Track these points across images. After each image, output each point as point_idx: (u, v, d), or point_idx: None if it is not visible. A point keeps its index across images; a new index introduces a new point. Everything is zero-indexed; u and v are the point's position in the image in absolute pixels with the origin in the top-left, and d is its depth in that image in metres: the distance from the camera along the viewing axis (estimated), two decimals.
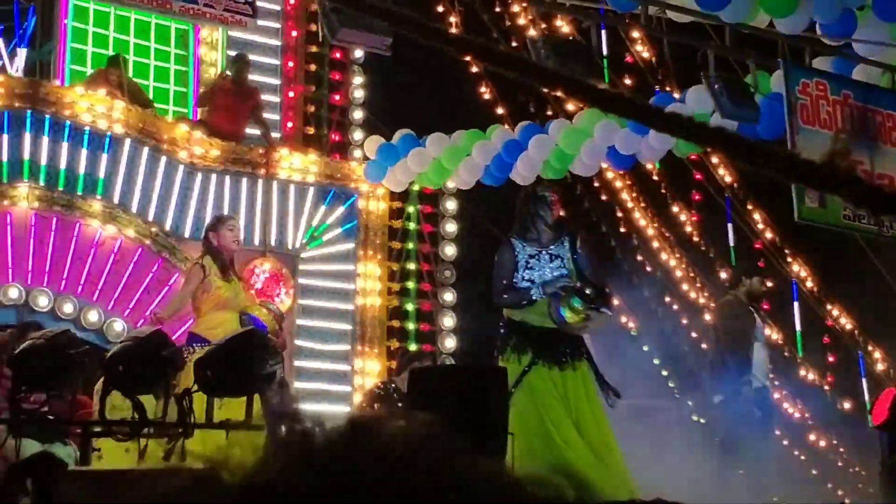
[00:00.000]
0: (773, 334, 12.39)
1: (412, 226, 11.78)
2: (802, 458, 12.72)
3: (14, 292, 9.41)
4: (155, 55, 11.48)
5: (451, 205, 11.79)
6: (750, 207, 13.83)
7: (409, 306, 11.66)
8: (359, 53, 12.21)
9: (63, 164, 9.77)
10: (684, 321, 13.55)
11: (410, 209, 11.75)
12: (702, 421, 12.05)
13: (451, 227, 11.83)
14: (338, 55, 12.38)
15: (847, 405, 13.38)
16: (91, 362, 6.32)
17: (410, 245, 11.76)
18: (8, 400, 6.31)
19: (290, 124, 12.00)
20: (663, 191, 13.76)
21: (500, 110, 12.90)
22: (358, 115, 12.31)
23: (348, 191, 11.32)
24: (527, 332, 7.05)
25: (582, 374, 7.07)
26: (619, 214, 13.90)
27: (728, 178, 13.94)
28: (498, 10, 13.20)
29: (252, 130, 11.31)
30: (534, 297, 7.06)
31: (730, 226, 13.86)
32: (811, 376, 13.52)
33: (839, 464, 12.70)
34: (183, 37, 11.67)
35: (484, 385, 6.19)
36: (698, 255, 13.84)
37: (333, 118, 12.32)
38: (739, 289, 9.09)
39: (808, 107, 8.97)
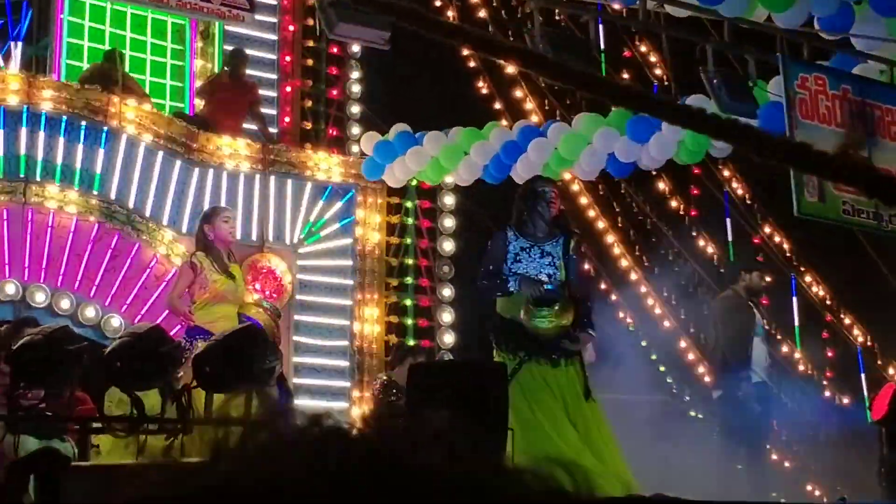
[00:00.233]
0: (772, 329, 12.38)
1: (410, 221, 11.76)
2: (801, 453, 12.71)
3: (11, 288, 9.38)
4: (151, 50, 11.45)
5: (449, 200, 11.77)
6: (749, 202, 13.82)
7: (408, 302, 11.64)
8: (356, 48, 12.19)
9: (59, 160, 9.74)
10: (682, 316, 13.54)
11: (408, 204, 11.72)
12: (699, 416, 12.05)
13: (449, 223, 11.80)
14: (335, 50, 12.35)
15: (846, 400, 13.38)
16: (89, 358, 6.30)
17: (408, 240, 11.73)
18: (6, 396, 6.29)
19: (287, 119, 11.97)
20: (662, 185, 13.75)
21: (497, 104, 12.88)
22: (355, 109, 12.28)
23: (346, 186, 11.29)
24: (519, 330, 7.03)
25: (575, 373, 7.06)
26: (617, 209, 13.89)
27: (726, 173, 13.94)
28: (495, 4, 13.18)
29: (250, 125, 11.28)
30: (510, 290, 7.03)
31: (728, 221, 13.86)
32: (809, 371, 13.51)
33: (837, 459, 12.69)
34: (179, 31, 11.63)
35: (483, 380, 6.17)
36: (697, 249, 13.83)
37: (331, 113, 12.30)
38: (739, 284, 9.08)
39: (806, 101, 8.96)
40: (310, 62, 12.33)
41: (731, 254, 13.31)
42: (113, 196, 9.98)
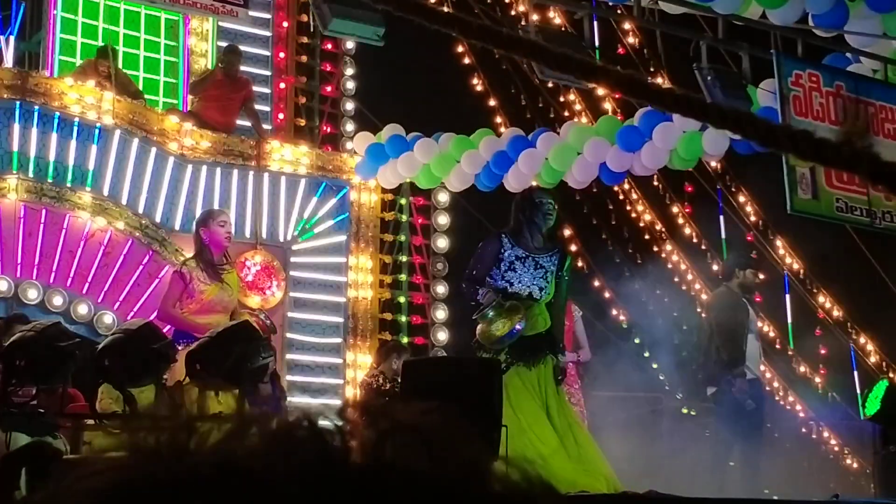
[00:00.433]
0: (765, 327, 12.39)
1: (404, 218, 11.74)
2: (794, 450, 12.73)
3: (3, 285, 9.35)
4: (145, 46, 11.42)
5: (443, 197, 11.75)
6: (742, 199, 13.83)
7: (402, 299, 11.63)
8: (350, 45, 12.17)
9: (52, 156, 9.71)
10: (675, 314, 13.55)
11: (402, 201, 11.71)
12: (692, 413, 12.06)
13: (443, 220, 11.79)
14: (329, 46, 12.33)
15: (838, 397, 13.40)
16: (81, 355, 6.28)
17: (402, 237, 11.72)
18: None
19: (280, 116, 11.95)
20: (655, 182, 13.74)
21: (492, 102, 12.87)
22: (349, 106, 12.26)
23: (340, 183, 11.27)
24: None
25: (545, 367, 7.05)
26: (610, 206, 13.89)
27: (720, 170, 13.94)
28: (489, 1, 13.17)
29: (243, 122, 11.26)
30: (489, 314, 6.94)
31: (721, 217, 13.86)
32: (802, 368, 13.53)
33: (831, 456, 12.72)
34: (173, 27, 11.60)
35: (477, 376, 6.16)
36: (690, 247, 13.85)
37: (325, 109, 12.28)
38: (732, 281, 9.07)
39: (800, 98, 8.96)
40: (304, 58, 12.31)
41: (725, 251, 13.31)
42: (106, 193, 9.95)
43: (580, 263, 12.82)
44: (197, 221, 8.35)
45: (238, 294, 8.13)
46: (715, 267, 12.93)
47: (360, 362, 10.89)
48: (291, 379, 10.49)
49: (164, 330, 7.44)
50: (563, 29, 11.00)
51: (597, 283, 13.57)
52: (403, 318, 11.60)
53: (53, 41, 10.89)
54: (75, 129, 9.81)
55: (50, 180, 9.68)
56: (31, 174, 9.61)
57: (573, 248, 13.25)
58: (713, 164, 13.56)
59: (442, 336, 11.50)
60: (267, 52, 11.98)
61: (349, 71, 12.36)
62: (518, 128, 11.15)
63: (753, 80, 9.36)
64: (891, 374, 12.72)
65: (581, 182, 10.62)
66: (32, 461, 4.52)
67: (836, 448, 12.78)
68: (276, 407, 8.31)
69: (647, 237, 14.01)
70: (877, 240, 11.36)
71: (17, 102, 9.57)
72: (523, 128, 11.14)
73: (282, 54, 12.06)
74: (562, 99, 13.59)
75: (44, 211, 9.62)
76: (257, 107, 11.41)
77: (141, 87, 10.99)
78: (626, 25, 12.76)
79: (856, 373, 13.26)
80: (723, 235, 13.81)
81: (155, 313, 8.36)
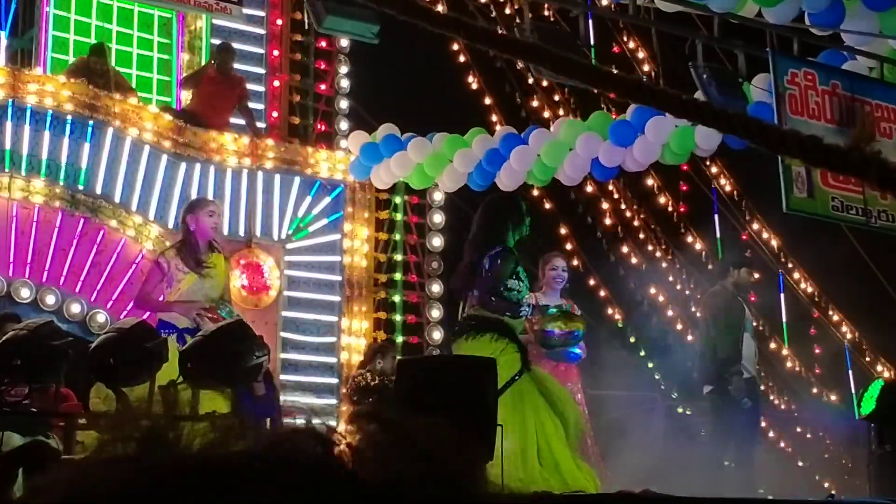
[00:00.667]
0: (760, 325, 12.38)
1: (399, 217, 11.71)
2: (789, 449, 12.73)
3: None
4: (138, 43, 11.38)
5: (438, 196, 11.73)
6: (737, 199, 13.82)
7: (396, 298, 11.59)
8: (345, 42, 12.14)
9: (45, 154, 9.66)
10: (670, 312, 13.54)
11: (397, 200, 11.68)
12: (688, 412, 12.05)
13: (438, 218, 11.76)
14: (323, 44, 12.30)
15: (833, 396, 13.40)
16: (74, 354, 6.24)
17: (397, 236, 11.69)
18: None
19: (275, 114, 11.92)
20: (650, 181, 13.73)
21: (487, 100, 12.84)
22: (344, 104, 12.23)
23: (334, 181, 11.24)
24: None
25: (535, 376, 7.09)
26: (606, 205, 13.87)
27: (714, 169, 13.93)
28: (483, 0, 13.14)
29: (237, 120, 11.22)
30: (521, 315, 7.10)
31: (716, 217, 13.86)
32: (797, 367, 13.53)
33: (826, 455, 12.71)
34: (166, 25, 11.57)
35: (472, 376, 6.13)
36: (685, 246, 13.84)
37: (319, 108, 12.24)
38: (728, 279, 9.06)
39: (796, 97, 8.93)
40: (298, 56, 12.27)
41: (720, 250, 13.31)
42: (99, 191, 9.91)
43: (575, 262, 12.79)
44: (185, 208, 8.27)
45: (223, 284, 7.92)
46: (710, 266, 12.92)
47: (355, 361, 10.86)
48: (286, 378, 10.46)
49: (144, 317, 7.37)
50: (558, 27, 10.96)
51: (592, 283, 13.55)
52: (398, 317, 11.57)
53: (46, 38, 10.84)
54: (68, 126, 9.76)
55: (43, 178, 9.63)
56: (23, 172, 9.56)
57: (568, 247, 13.24)
58: (708, 162, 13.57)
59: (437, 335, 11.48)
60: (261, 50, 11.94)
61: (343, 69, 12.32)
62: (513, 126, 11.12)
63: (749, 79, 9.35)
64: (886, 374, 12.72)
65: (572, 178, 10.59)
66: (30, 461, 4.48)
67: (832, 447, 12.77)
68: (270, 406, 8.28)
69: (641, 236, 14.00)
70: (872, 238, 11.35)
71: (10, 100, 9.52)
72: (518, 126, 11.11)
73: (276, 52, 12.02)
74: (556, 98, 13.57)
75: (36, 209, 9.58)
76: (251, 105, 11.38)
77: (134, 85, 10.95)
78: (622, 24, 12.75)
79: (850, 372, 13.26)
80: (718, 234, 13.81)
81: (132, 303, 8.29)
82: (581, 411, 8.04)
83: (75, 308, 9.59)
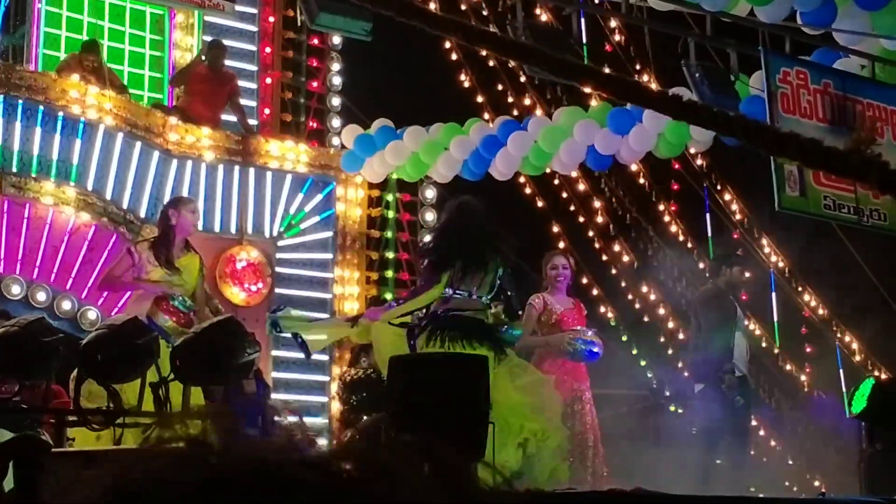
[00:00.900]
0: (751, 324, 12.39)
1: (391, 214, 11.71)
2: (780, 448, 12.74)
3: None
4: (130, 40, 11.36)
5: (430, 193, 11.72)
6: (728, 197, 13.83)
7: (388, 296, 11.57)
8: (337, 40, 12.12)
9: (36, 150, 9.64)
10: (662, 311, 13.54)
11: (389, 197, 11.68)
12: (679, 411, 12.04)
13: (430, 216, 11.76)
14: (315, 41, 12.28)
15: (824, 396, 13.40)
16: (65, 350, 6.22)
17: (389, 234, 11.68)
18: None
19: (266, 111, 11.90)
20: (642, 180, 13.73)
21: (479, 98, 12.84)
22: (336, 102, 12.21)
23: (326, 178, 11.23)
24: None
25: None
26: (598, 204, 13.87)
27: (705, 168, 13.93)
28: None
29: (229, 117, 11.20)
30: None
31: (707, 215, 13.86)
32: (788, 366, 13.54)
33: (817, 454, 12.72)
34: (158, 21, 11.55)
35: (464, 374, 6.12)
36: (677, 245, 13.84)
37: (311, 105, 12.23)
38: (719, 278, 9.07)
39: (788, 95, 8.95)
40: (290, 54, 12.25)
41: (711, 249, 13.31)
42: (90, 188, 9.88)
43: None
44: (167, 203, 8.24)
45: (195, 285, 7.86)
46: (701, 265, 12.92)
47: (346, 359, 10.85)
48: (277, 376, 10.45)
49: (103, 297, 7.25)
50: (550, 25, 10.96)
51: (584, 281, 13.54)
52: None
53: (38, 35, 10.82)
54: (59, 123, 9.73)
55: (34, 175, 9.60)
56: (14, 169, 9.53)
57: (561, 245, 13.23)
58: (699, 161, 13.57)
59: None
60: (253, 48, 11.92)
61: (335, 66, 12.31)
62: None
63: (740, 78, 9.36)
64: (876, 373, 12.73)
65: (567, 165, 10.61)
66: (20, 454, 4.47)
67: (823, 446, 12.78)
68: (261, 403, 8.27)
69: (633, 234, 14.00)
70: (863, 237, 11.37)
71: (1, 97, 9.49)
72: None
73: (268, 49, 12.00)
74: (548, 96, 13.57)
75: (27, 206, 9.55)
76: (243, 102, 11.36)
77: (126, 82, 10.92)
78: (614, 22, 12.75)
79: (841, 371, 13.27)
80: (709, 233, 13.81)
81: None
82: (577, 410, 8.07)
83: (66, 305, 9.56)
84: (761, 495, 9.08)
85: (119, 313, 8.74)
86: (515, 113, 12.38)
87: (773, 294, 13.63)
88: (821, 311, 13.81)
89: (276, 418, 8.93)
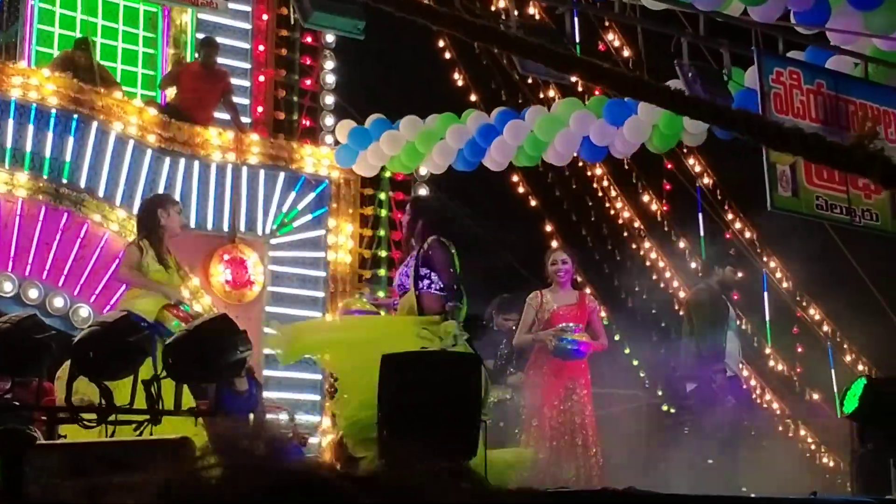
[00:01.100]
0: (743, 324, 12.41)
1: (383, 213, 11.70)
2: (771, 447, 12.75)
3: None
4: (123, 38, 11.34)
5: (423, 192, 11.72)
6: (721, 197, 13.84)
7: (381, 294, 11.56)
8: (330, 38, 12.11)
9: (29, 148, 9.62)
10: (654, 310, 13.55)
11: (382, 196, 11.67)
12: (672, 411, 12.04)
13: None
14: (309, 39, 12.27)
15: (816, 395, 13.43)
16: (57, 347, 6.21)
17: (382, 232, 11.68)
18: None
19: (260, 109, 11.89)
20: (634, 180, 13.74)
21: (472, 97, 12.83)
22: (329, 100, 12.20)
23: (319, 177, 11.23)
24: None
25: None
26: (590, 203, 13.88)
27: (698, 168, 13.94)
28: None
29: (222, 115, 11.19)
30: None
31: (700, 215, 13.87)
32: (780, 366, 13.56)
33: (808, 454, 12.75)
34: (151, 19, 11.53)
35: (457, 372, 6.11)
36: (669, 244, 13.85)
37: (304, 103, 12.22)
38: (712, 278, 9.08)
39: (781, 95, 8.96)
40: (283, 51, 12.24)
41: (703, 249, 13.32)
42: (83, 185, 9.87)
43: None
44: (154, 201, 8.20)
45: (178, 282, 7.90)
46: (693, 264, 12.94)
47: None
48: (268, 374, 10.43)
49: (121, 290, 7.25)
50: (544, 24, 10.96)
51: (578, 279, 13.53)
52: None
53: (30, 32, 10.80)
54: (52, 120, 9.72)
55: (26, 172, 9.59)
56: (6, 166, 9.52)
57: (553, 244, 13.24)
58: (692, 161, 13.58)
59: None
60: (246, 45, 11.91)
61: (329, 65, 12.30)
62: None
63: (733, 78, 9.36)
64: (867, 372, 12.75)
65: (561, 156, 10.62)
66: (5, 447, 4.46)
67: (814, 446, 12.81)
68: (253, 401, 8.27)
69: (626, 234, 14.00)
70: (855, 237, 11.38)
71: None
72: None
73: (261, 47, 11.99)
74: (541, 95, 13.57)
75: (20, 203, 9.53)
76: (236, 100, 11.35)
77: (119, 79, 10.91)
78: (607, 22, 12.74)
79: (833, 371, 13.29)
80: (701, 233, 13.81)
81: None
82: (568, 407, 8.09)
83: (58, 302, 9.55)
84: (753, 495, 9.09)
85: (111, 311, 8.73)
86: None
87: (766, 294, 13.65)
88: (812, 311, 13.83)
89: (267, 416, 8.95)
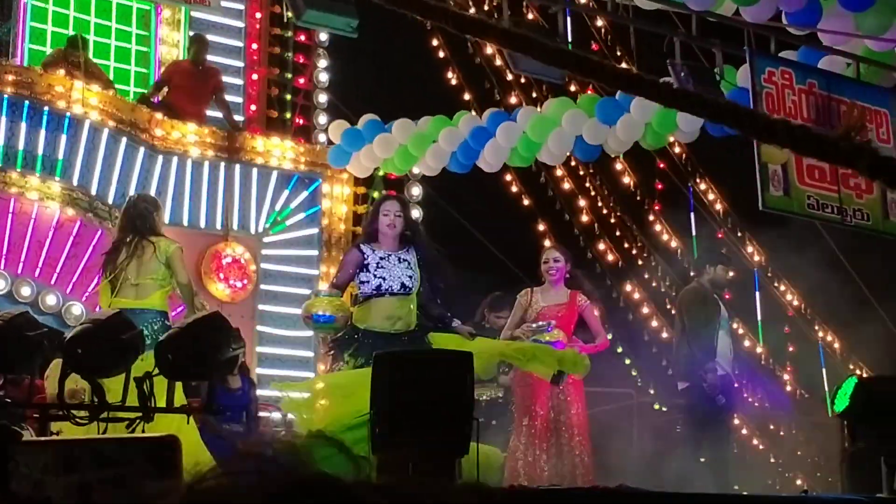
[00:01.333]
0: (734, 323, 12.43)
1: None
2: (762, 446, 12.80)
3: None
4: (116, 35, 11.33)
5: (416, 191, 11.73)
6: (712, 197, 13.88)
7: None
8: (324, 37, 12.12)
9: (21, 145, 9.61)
10: (646, 309, 13.58)
11: (375, 194, 11.67)
12: (664, 409, 12.08)
13: (415, 214, 11.74)
14: (302, 38, 12.28)
15: (806, 394, 13.47)
16: (49, 345, 6.21)
17: None
18: None
19: (253, 107, 11.89)
20: (626, 179, 13.77)
21: (466, 96, 12.85)
22: (322, 98, 12.21)
23: (312, 175, 11.23)
24: (369, 338, 7.22)
25: None
26: (582, 203, 13.90)
27: (689, 167, 13.98)
28: None
29: (215, 113, 11.19)
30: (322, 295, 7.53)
31: (692, 215, 13.90)
32: (772, 365, 13.60)
33: (799, 452, 12.78)
34: (144, 17, 11.52)
35: (450, 371, 6.12)
36: (661, 244, 13.88)
37: (297, 102, 12.23)
38: (703, 277, 9.10)
39: (773, 95, 8.98)
40: (276, 50, 12.25)
41: (696, 248, 13.35)
42: (75, 183, 9.86)
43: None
44: (150, 204, 8.20)
45: None
46: (685, 264, 12.97)
47: (331, 354, 10.85)
48: (261, 371, 10.44)
49: (88, 291, 7.20)
50: (536, 23, 10.97)
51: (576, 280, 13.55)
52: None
53: (23, 30, 10.79)
54: (45, 118, 9.71)
55: (19, 169, 9.58)
56: None
57: (546, 243, 13.26)
58: (684, 159, 13.61)
59: None
60: (239, 44, 11.91)
61: (322, 63, 12.31)
62: None
63: (725, 77, 9.39)
64: (858, 371, 12.79)
65: (556, 156, 10.64)
66: None
67: (805, 444, 12.85)
68: (245, 399, 8.27)
69: (618, 234, 14.03)
70: (846, 237, 11.42)
71: None
72: None
73: (254, 45, 12.00)
74: (534, 94, 13.59)
75: (12, 201, 9.53)
76: (229, 98, 11.34)
77: (112, 77, 10.90)
78: (600, 21, 12.77)
79: (824, 370, 13.33)
80: (693, 232, 13.85)
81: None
82: (556, 405, 8.11)
83: (51, 300, 9.54)
84: (744, 493, 9.12)
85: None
86: (502, 110, 12.38)
87: (758, 293, 13.68)
88: (804, 311, 13.87)
89: (260, 414, 8.95)
